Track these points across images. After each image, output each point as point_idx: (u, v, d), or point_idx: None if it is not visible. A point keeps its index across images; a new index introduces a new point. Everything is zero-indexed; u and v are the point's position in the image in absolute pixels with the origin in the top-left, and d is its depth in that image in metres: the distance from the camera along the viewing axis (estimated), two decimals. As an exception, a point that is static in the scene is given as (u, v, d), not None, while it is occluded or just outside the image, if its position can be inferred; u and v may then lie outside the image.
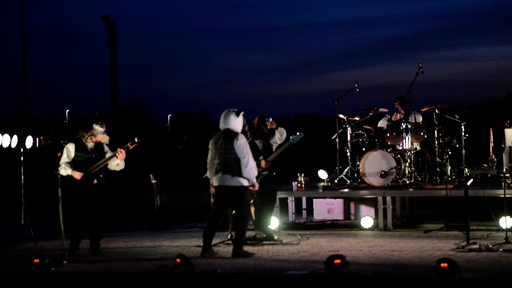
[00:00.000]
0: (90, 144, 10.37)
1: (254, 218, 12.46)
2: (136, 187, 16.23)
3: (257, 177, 10.79)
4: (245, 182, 10.14)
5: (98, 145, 10.43)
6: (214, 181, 10.26)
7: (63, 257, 9.65)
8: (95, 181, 10.26)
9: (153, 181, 13.63)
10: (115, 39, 16.38)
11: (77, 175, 10.14)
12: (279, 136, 11.91)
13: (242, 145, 10.06)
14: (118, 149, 10.27)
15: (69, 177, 10.16)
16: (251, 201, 12.66)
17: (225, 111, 10.25)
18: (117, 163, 10.40)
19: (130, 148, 10.34)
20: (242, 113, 10.32)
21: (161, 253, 10.55)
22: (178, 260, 8.74)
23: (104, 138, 10.43)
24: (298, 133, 11.86)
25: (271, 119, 11.91)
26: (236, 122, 10.21)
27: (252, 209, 12.74)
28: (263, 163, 11.59)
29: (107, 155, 10.37)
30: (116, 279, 8.86)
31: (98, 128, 10.34)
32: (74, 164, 10.24)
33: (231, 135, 10.11)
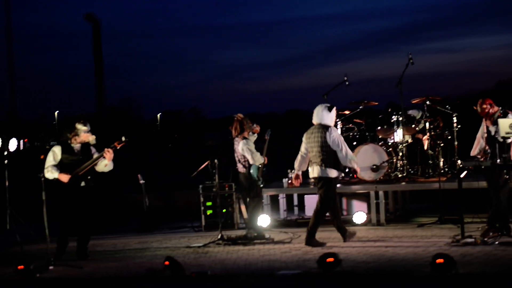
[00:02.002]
0: (76, 146, 10.12)
1: (246, 216, 12.27)
2: (124, 188, 15.94)
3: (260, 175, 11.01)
4: (334, 174, 10.44)
5: (85, 146, 10.16)
6: (312, 173, 10.57)
7: (48, 262, 9.38)
8: (83, 183, 9.99)
9: (141, 182, 13.36)
10: (99, 38, 16.05)
11: (64, 177, 9.86)
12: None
13: (336, 137, 10.39)
14: (106, 149, 10.01)
15: (56, 180, 9.90)
16: (242, 199, 12.50)
17: (318, 106, 10.60)
18: (105, 164, 10.13)
19: (118, 148, 10.09)
20: (335, 108, 10.68)
21: (150, 255, 10.28)
22: (166, 262, 8.49)
23: (89, 137, 10.17)
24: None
25: (255, 125, 12.17)
26: (328, 117, 10.55)
27: (243, 208, 12.57)
28: (266, 159, 11.56)
29: (95, 156, 10.12)
30: (103, 284, 8.61)
31: (81, 127, 10.07)
32: (60, 166, 9.98)
33: (324, 128, 10.43)
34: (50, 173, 9.90)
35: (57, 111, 67.74)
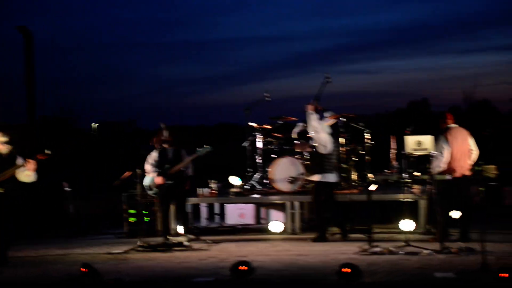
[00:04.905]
0: (4, 152, 9.63)
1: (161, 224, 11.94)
2: (48, 195, 15.34)
3: (162, 185, 10.66)
4: None
5: (12, 154, 9.69)
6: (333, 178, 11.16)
7: (-33, 268, 8.88)
8: (2, 190, 9.50)
9: (66, 189, 12.86)
10: (31, 50, 15.45)
11: None
12: None
13: None
14: (27, 159, 9.58)
15: None
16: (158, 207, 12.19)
17: None
18: (26, 174, 9.69)
19: (39, 160, 9.68)
20: None
21: (71, 261, 9.82)
22: (83, 269, 8.09)
23: (3, 149, 9.66)
24: (205, 146, 11.45)
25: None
26: None
27: (160, 215, 12.23)
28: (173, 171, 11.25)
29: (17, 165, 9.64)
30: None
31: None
32: None
33: None
34: None
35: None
